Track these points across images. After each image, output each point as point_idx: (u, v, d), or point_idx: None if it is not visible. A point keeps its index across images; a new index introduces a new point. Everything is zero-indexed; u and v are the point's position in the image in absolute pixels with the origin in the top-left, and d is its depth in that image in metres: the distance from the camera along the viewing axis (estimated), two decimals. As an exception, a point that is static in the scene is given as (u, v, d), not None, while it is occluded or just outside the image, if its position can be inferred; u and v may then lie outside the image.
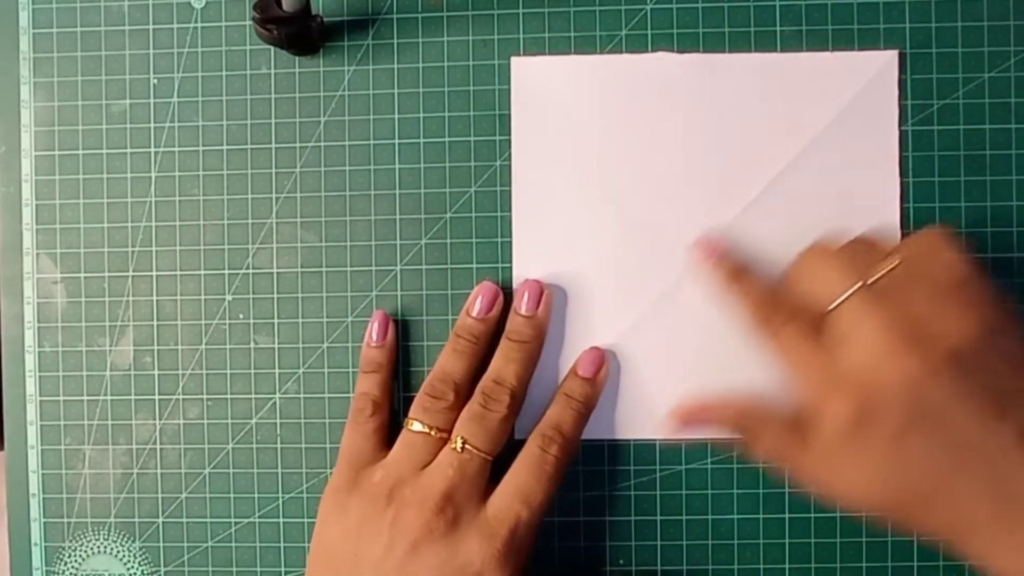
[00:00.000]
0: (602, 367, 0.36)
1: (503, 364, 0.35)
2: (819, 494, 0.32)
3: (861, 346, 0.30)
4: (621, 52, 0.37)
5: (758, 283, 0.34)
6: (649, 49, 0.37)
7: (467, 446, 0.33)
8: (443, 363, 0.36)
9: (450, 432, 0.34)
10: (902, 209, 0.36)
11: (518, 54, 0.38)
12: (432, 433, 0.34)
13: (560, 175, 0.37)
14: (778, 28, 0.37)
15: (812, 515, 0.37)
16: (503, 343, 0.36)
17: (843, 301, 0.31)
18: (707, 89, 0.36)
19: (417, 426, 0.34)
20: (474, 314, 0.36)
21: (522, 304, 0.36)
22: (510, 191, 0.37)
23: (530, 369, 0.36)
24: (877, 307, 0.30)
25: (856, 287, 0.31)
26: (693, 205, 0.36)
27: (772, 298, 0.34)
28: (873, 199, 0.36)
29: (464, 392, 0.35)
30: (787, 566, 0.37)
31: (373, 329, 0.37)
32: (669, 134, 0.36)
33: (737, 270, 0.35)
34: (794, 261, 0.34)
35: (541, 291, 0.36)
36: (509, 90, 0.38)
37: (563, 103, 0.37)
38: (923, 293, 0.30)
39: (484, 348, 0.36)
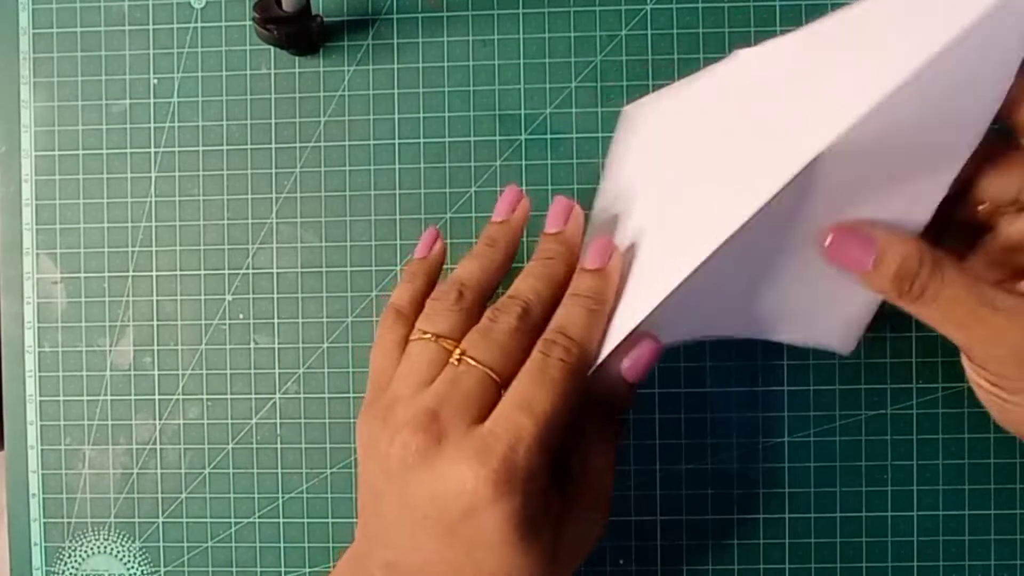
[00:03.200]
0: (611, 255, 0.30)
1: (521, 280, 0.30)
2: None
3: None
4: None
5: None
6: (649, 49, 0.37)
7: (464, 357, 0.28)
8: (455, 270, 0.31)
9: (457, 343, 0.29)
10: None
11: (516, 58, 0.38)
12: (431, 339, 0.29)
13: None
14: (778, 28, 0.37)
15: (812, 515, 0.37)
16: (528, 264, 0.31)
17: None
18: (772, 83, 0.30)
19: (417, 335, 0.30)
20: (493, 217, 0.32)
21: (549, 222, 0.32)
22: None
23: (553, 289, 0.30)
24: None
25: None
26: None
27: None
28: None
29: (474, 298, 0.30)
30: (787, 566, 0.37)
31: (420, 245, 0.34)
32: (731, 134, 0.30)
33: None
34: None
35: (570, 208, 0.32)
36: (514, 91, 0.38)
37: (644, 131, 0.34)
38: None
39: (504, 257, 0.32)
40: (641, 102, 0.35)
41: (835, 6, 0.37)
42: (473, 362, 0.28)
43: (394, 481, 0.27)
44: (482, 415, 0.27)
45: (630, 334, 0.28)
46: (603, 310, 0.29)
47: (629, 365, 0.29)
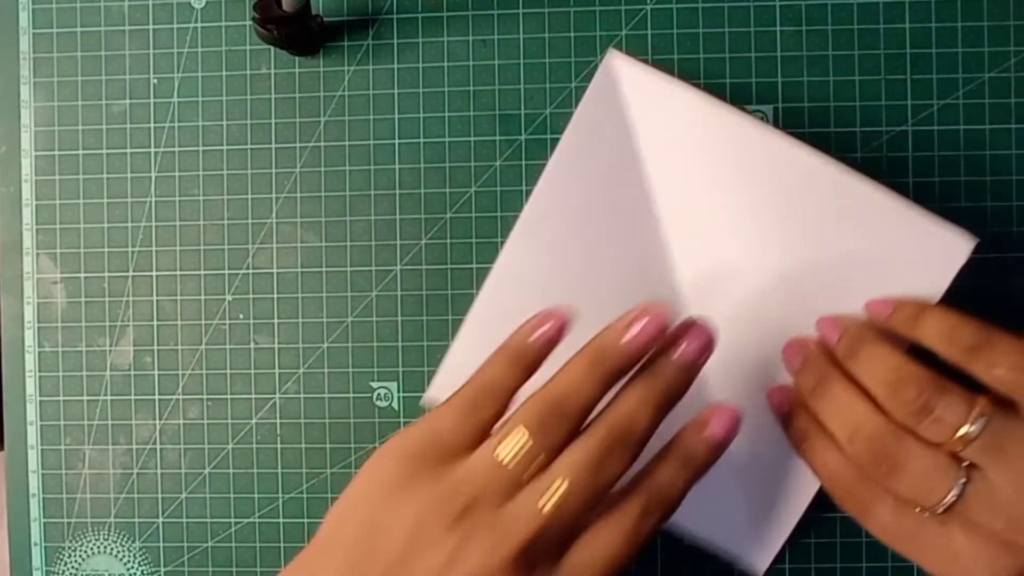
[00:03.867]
0: (736, 427, 0.29)
1: (640, 405, 0.28)
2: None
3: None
4: (724, 96, 0.35)
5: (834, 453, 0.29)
6: (649, 49, 0.37)
7: (570, 490, 0.26)
8: (577, 383, 0.28)
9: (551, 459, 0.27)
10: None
11: (516, 58, 0.38)
12: (538, 455, 0.27)
13: (595, 189, 0.34)
14: (778, 28, 0.37)
15: (812, 515, 0.37)
16: (643, 379, 0.28)
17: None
18: (777, 178, 0.32)
19: (524, 439, 0.27)
20: (628, 337, 0.28)
21: (679, 349, 0.28)
22: (520, 189, 0.37)
23: (660, 417, 0.28)
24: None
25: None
26: (701, 278, 0.33)
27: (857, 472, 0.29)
28: None
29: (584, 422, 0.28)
30: (787, 566, 0.37)
31: (544, 325, 0.29)
32: (718, 196, 0.33)
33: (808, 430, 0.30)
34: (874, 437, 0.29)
35: (710, 339, 0.29)
36: (514, 91, 0.38)
37: (637, 120, 0.34)
38: None
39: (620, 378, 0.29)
40: (639, 69, 0.34)
41: (834, 7, 0.37)
42: (577, 499, 0.26)
43: (402, 517, 0.26)
44: (569, 543, 0.27)
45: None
46: (700, 475, 0.28)
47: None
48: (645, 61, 0.35)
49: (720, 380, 0.33)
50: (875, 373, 0.29)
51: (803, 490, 0.33)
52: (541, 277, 0.35)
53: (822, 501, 0.37)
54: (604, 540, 0.27)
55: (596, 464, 0.26)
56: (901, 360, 0.29)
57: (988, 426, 0.26)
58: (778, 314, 0.32)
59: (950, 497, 0.27)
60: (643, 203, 0.34)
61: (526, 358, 0.29)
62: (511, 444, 0.27)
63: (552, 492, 0.26)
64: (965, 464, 0.27)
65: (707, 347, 0.29)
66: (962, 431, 0.27)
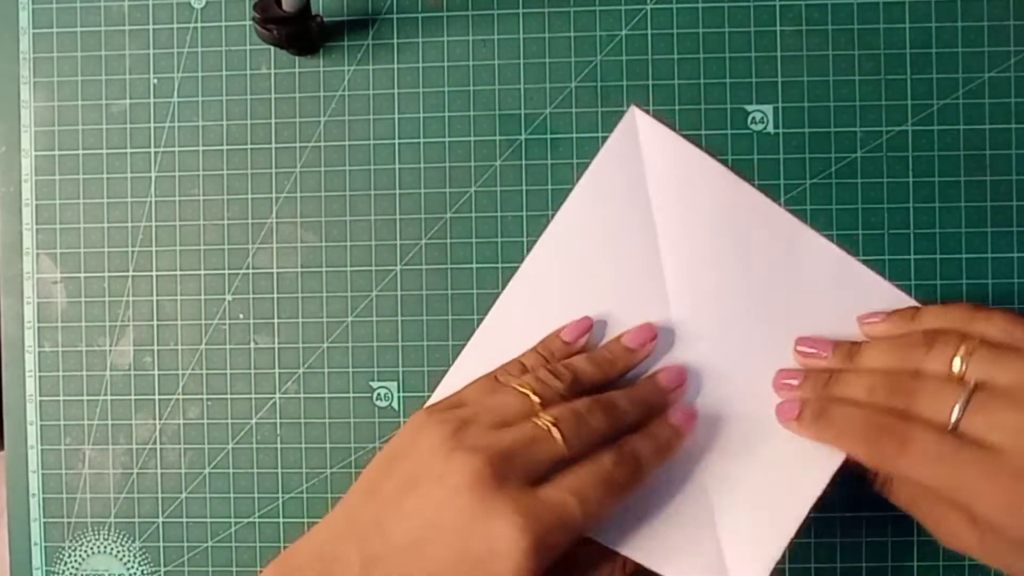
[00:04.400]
0: (694, 417, 0.34)
1: (624, 395, 0.33)
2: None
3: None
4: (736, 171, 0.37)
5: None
6: (649, 49, 0.37)
7: (554, 428, 0.30)
8: (577, 362, 0.34)
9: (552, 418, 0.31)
10: (903, 210, 0.36)
11: (516, 58, 0.38)
12: (533, 399, 0.31)
13: (607, 227, 0.37)
14: (778, 28, 0.37)
15: (813, 515, 0.37)
16: (643, 383, 0.35)
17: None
18: (779, 248, 0.36)
19: (525, 387, 0.32)
20: (625, 341, 0.35)
21: (663, 380, 0.35)
22: (519, 189, 0.37)
23: (646, 413, 0.34)
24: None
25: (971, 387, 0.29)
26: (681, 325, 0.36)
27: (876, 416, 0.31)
28: None
29: (580, 392, 0.33)
30: (787, 566, 0.37)
31: (572, 329, 0.36)
32: (709, 240, 0.36)
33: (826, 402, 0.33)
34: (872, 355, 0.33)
35: (683, 377, 0.35)
36: (514, 91, 0.38)
37: (649, 168, 0.37)
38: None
39: (618, 376, 0.35)
40: (659, 127, 0.37)
41: (834, 7, 0.37)
42: (558, 437, 0.30)
43: (435, 485, 0.29)
44: (541, 480, 0.30)
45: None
46: (670, 457, 0.33)
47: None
48: (661, 120, 0.37)
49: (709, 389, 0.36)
50: (878, 349, 0.33)
51: (794, 510, 0.34)
52: (548, 301, 0.36)
53: (821, 502, 0.37)
54: (576, 476, 0.30)
55: (583, 413, 0.31)
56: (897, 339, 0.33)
57: (979, 350, 0.30)
58: (755, 339, 0.36)
59: (958, 406, 0.29)
60: (648, 242, 0.36)
61: (552, 351, 0.35)
62: (511, 390, 0.32)
63: (536, 425, 0.30)
64: (971, 385, 0.30)
65: (647, 340, 0.35)
66: (960, 352, 0.30)
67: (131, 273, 0.39)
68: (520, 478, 0.29)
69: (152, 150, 0.39)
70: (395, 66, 0.38)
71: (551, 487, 0.29)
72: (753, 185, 0.37)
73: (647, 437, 0.33)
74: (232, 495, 0.38)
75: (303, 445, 0.38)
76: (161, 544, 0.38)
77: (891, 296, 0.35)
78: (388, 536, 0.29)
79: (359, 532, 0.30)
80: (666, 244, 0.36)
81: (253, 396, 0.38)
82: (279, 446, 0.38)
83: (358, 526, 0.30)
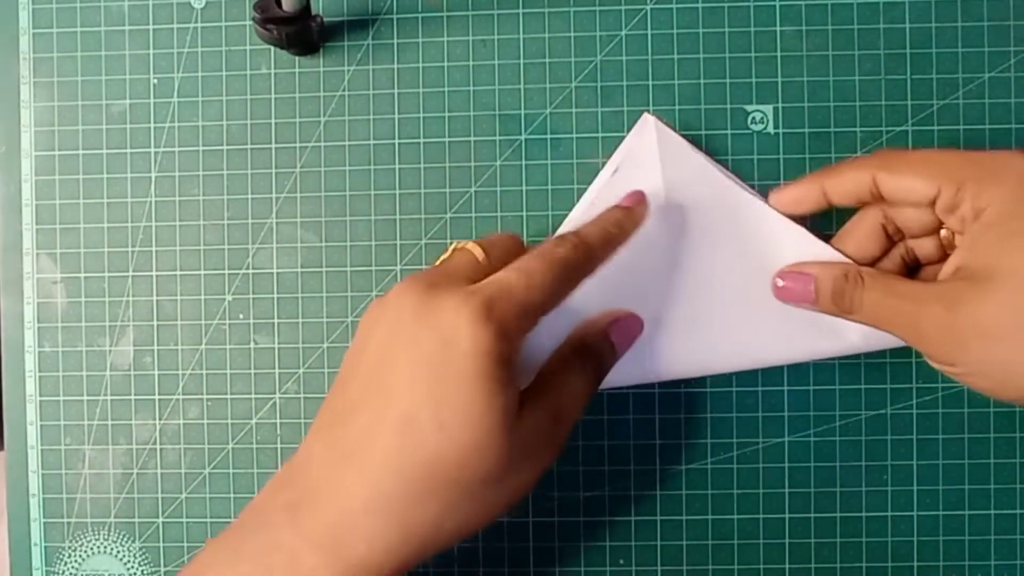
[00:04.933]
0: (642, 202, 0.34)
1: (589, 226, 0.32)
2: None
3: None
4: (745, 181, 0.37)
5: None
6: (649, 49, 0.37)
7: (477, 247, 0.31)
8: (585, 226, 0.33)
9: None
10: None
11: (516, 58, 0.38)
12: (475, 254, 0.31)
13: None
14: (778, 28, 0.37)
15: (812, 515, 0.37)
16: (598, 220, 0.33)
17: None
18: (747, 226, 0.36)
19: (470, 246, 0.32)
20: (623, 202, 0.34)
21: (624, 200, 0.34)
22: (519, 190, 0.37)
23: (608, 251, 0.32)
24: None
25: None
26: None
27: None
28: None
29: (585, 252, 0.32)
30: (787, 566, 0.37)
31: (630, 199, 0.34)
32: (709, 237, 0.36)
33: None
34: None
35: (643, 198, 0.34)
36: (514, 91, 0.38)
37: (660, 168, 0.36)
38: None
39: (624, 239, 0.33)
40: (670, 131, 0.36)
41: (834, 7, 0.37)
42: (479, 253, 0.31)
43: (376, 325, 0.29)
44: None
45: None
46: (618, 239, 0.32)
47: (616, 330, 0.33)
48: (670, 126, 0.37)
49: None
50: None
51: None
52: None
53: (820, 502, 0.37)
54: (521, 259, 0.30)
55: (510, 248, 0.32)
56: None
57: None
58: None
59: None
60: (654, 235, 0.35)
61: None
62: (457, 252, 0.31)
63: (462, 250, 0.31)
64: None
65: (640, 201, 0.34)
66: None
67: (131, 273, 0.39)
68: (453, 283, 0.29)
69: (152, 150, 0.39)
70: (395, 66, 0.38)
71: (489, 278, 0.29)
72: (755, 190, 0.36)
73: (594, 223, 0.32)
74: (232, 495, 0.38)
75: (303, 445, 0.38)
76: (161, 544, 0.38)
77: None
78: (347, 390, 0.29)
79: (321, 422, 0.29)
80: (671, 248, 0.36)
81: (253, 396, 0.38)
82: (279, 446, 0.38)
83: (320, 421, 0.30)
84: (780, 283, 0.34)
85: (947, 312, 0.29)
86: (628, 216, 0.33)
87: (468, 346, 0.27)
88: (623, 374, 0.35)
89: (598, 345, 0.33)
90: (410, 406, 0.27)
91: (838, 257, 0.34)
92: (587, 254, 0.31)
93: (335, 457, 0.28)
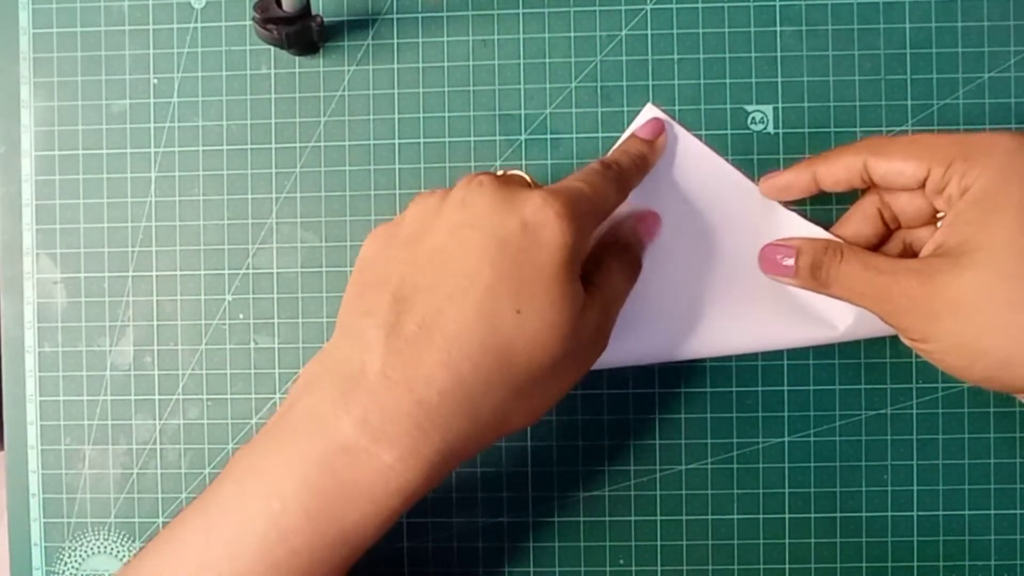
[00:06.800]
0: (661, 134, 0.36)
1: (618, 153, 0.34)
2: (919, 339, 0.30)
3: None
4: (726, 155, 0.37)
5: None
6: (649, 49, 0.37)
7: (524, 173, 0.33)
8: (613, 153, 0.35)
9: None
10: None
11: (516, 58, 0.38)
12: (526, 177, 0.33)
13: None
14: (778, 28, 0.37)
15: (812, 515, 0.37)
16: (621, 149, 0.35)
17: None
18: (742, 206, 0.36)
19: (519, 172, 0.34)
20: (638, 135, 0.36)
21: (644, 132, 0.36)
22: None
23: (634, 177, 0.34)
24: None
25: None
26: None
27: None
28: None
29: (617, 175, 0.34)
30: (787, 566, 0.37)
31: (648, 129, 0.36)
32: (707, 216, 0.37)
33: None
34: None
35: (662, 127, 0.36)
36: (514, 91, 0.38)
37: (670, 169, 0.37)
38: None
39: (648, 169, 0.35)
40: (672, 121, 0.37)
41: (834, 7, 0.37)
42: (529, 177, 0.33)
43: (449, 209, 0.29)
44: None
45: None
46: (644, 167, 0.35)
47: (643, 228, 0.35)
48: (672, 117, 0.37)
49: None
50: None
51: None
52: None
53: (820, 502, 0.37)
54: (580, 173, 0.31)
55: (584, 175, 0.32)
56: None
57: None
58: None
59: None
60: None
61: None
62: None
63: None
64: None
65: (657, 131, 0.36)
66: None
67: (131, 273, 0.39)
68: (525, 185, 0.30)
69: (152, 150, 0.39)
70: (395, 66, 0.38)
71: (560, 183, 0.30)
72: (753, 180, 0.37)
73: (621, 153, 0.34)
74: (232, 495, 0.38)
75: (303, 445, 0.38)
76: (161, 544, 0.38)
77: None
78: (415, 257, 0.28)
79: (379, 275, 0.29)
80: (670, 231, 0.37)
81: (253, 396, 0.38)
82: (279, 446, 0.38)
83: (378, 270, 0.29)
84: (765, 255, 0.35)
85: (920, 285, 0.29)
86: (651, 151, 0.35)
87: (551, 237, 0.27)
88: (622, 352, 0.35)
89: (631, 241, 0.34)
90: (492, 283, 0.27)
91: (831, 237, 0.35)
92: (626, 182, 0.33)
93: (400, 346, 0.27)
